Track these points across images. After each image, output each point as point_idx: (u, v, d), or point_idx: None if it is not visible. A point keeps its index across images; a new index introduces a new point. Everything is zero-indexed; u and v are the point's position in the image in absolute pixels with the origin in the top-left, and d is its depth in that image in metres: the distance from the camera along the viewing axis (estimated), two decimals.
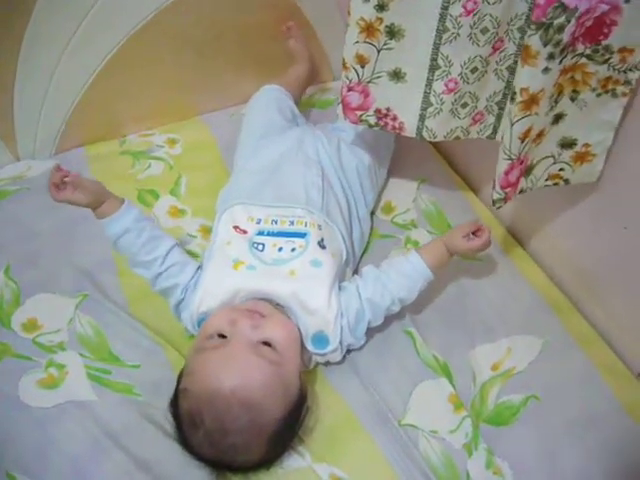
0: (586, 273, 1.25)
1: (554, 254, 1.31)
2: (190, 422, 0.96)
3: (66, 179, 1.09)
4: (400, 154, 1.51)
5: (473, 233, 1.15)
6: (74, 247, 1.34)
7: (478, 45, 1.01)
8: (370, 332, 1.15)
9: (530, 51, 0.88)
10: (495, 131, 1.16)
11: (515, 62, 1.05)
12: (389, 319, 1.18)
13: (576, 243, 1.25)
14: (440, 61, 1.05)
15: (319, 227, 1.17)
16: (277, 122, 1.44)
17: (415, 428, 1.06)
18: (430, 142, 1.51)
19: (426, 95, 1.10)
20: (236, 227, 1.17)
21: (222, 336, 1.01)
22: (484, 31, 0.99)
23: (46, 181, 1.45)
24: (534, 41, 0.86)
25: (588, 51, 0.94)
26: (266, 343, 1.01)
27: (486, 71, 1.06)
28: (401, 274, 1.14)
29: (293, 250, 1.13)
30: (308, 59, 1.68)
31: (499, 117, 1.13)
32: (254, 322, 1.02)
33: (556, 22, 0.84)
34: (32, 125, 1.52)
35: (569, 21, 0.84)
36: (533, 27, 0.85)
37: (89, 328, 1.19)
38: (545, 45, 0.86)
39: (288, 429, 1.00)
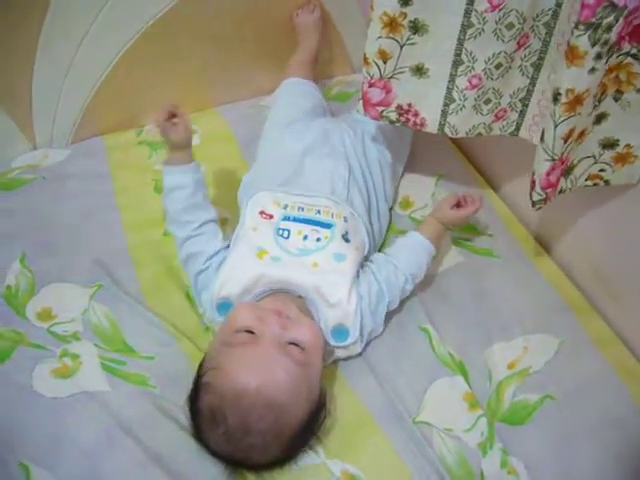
0: (605, 273, 1.23)
1: (573, 253, 1.30)
2: (210, 418, 0.95)
3: (176, 120, 1.15)
4: (419, 149, 1.50)
5: (460, 204, 1.23)
6: (89, 237, 1.33)
7: (503, 41, 1.00)
8: (386, 328, 1.15)
9: (577, 52, 0.85)
10: (518, 128, 1.15)
11: (540, 58, 1.04)
12: (405, 315, 1.18)
13: (596, 243, 1.24)
14: (464, 57, 1.04)
15: (345, 219, 1.17)
16: (304, 114, 1.43)
17: (429, 426, 1.06)
18: (449, 138, 1.50)
19: (449, 91, 1.09)
20: (262, 212, 1.17)
21: (249, 332, 1.00)
22: (509, 27, 0.98)
23: (63, 170, 1.48)
24: (582, 41, 0.84)
25: (634, 50, 0.91)
26: (294, 344, 1.00)
27: (510, 67, 1.05)
28: (407, 249, 1.19)
29: (318, 240, 1.13)
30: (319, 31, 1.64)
31: (522, 114, 1.13)
32: (282, 322, 1.01)
33: (605, 22, 0.82)
34: (50, 114, 1.51)
35: (617, 20, 0.82)
36: (582, 27, 0.83)
37: (104, 318, 1.19)
38: (593, 45, 0.84)
39: (307, 431, 0.99)
